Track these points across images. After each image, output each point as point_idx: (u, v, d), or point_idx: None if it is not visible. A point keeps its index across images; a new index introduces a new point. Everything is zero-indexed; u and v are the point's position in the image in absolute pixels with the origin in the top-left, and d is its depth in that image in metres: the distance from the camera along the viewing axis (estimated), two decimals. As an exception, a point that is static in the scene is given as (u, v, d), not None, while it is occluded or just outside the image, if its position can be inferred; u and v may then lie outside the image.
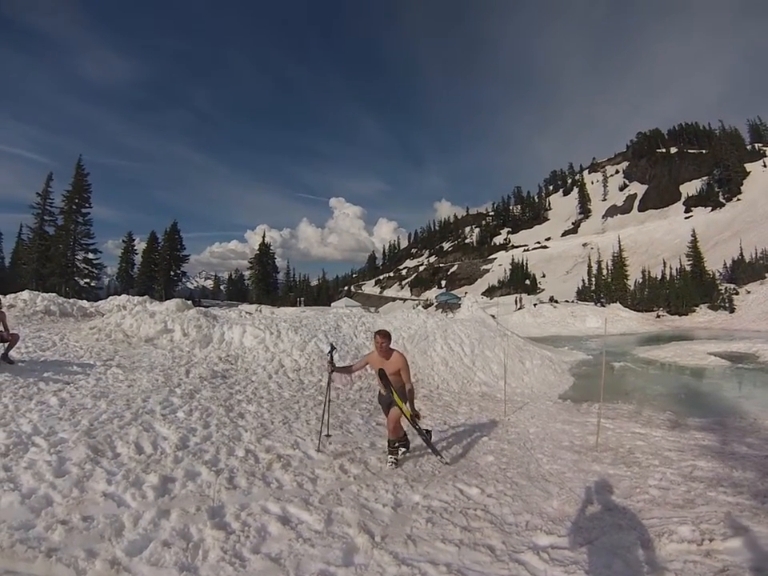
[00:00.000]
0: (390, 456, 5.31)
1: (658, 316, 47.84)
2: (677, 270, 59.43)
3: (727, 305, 45.31)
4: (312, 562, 3.12)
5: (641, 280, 61.46)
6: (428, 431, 5.87)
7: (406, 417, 5.23)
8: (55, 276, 48.90)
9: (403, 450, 5.63)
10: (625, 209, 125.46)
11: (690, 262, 61.17)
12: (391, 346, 5.46)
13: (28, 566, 2.82)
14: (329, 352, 5.95)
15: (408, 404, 5.27)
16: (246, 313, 16.25)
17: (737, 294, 47.16)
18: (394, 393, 5.26)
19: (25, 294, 17.56)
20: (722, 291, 48.57)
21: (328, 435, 5.86)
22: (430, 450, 5.60)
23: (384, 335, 5.27)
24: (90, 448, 4.52)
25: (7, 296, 16.67)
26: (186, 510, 3.62)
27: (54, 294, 18.97)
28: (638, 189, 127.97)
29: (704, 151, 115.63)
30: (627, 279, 63.13)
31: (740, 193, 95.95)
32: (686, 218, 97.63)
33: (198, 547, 3.16)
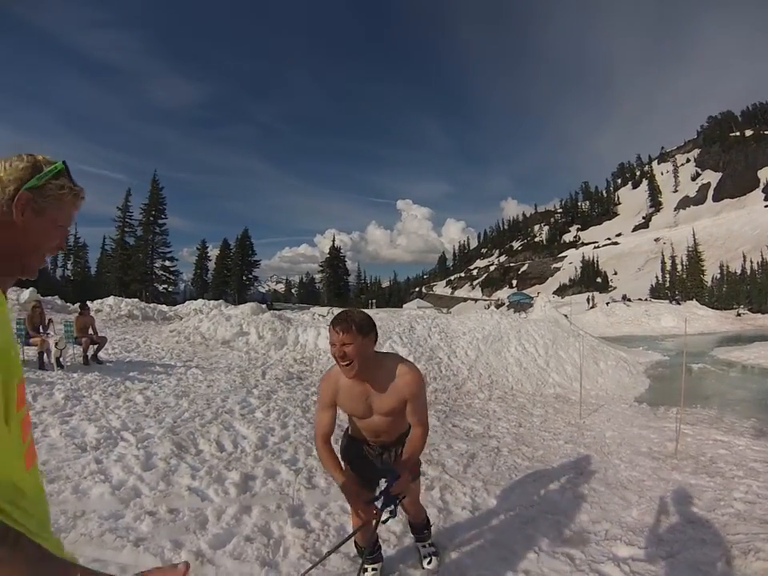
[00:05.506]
0: None
1: (739, 314, 44.77)
2: (758, 263, 55.62)
3: (818, 300, 41.92)
4: (391, 563, 3.09)
5: (719, 275, 58.03)
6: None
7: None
8: (136, 283, 52.34)
9: None
10: (698, 199, 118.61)
11: (774, 255, 57.00)
12: (392, 349, 2.87)
13: (116, 554, 2.91)
14: None
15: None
16: (319, 315, 16.54)
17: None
18: None
19: (110, 300, 18.87)
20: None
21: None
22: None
23: (345, 326, 2.25)
24: (174, 444, 4.73)
25: (94, 302, 17.94)
26: (266, 508, 3.69)
27: (136, 300, 20.27)
28: (712, 177, 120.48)
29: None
30: (704, 275, 59.80)
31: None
32: (766, 206, 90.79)
33: (279, 544, 3.20)
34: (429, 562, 3.05)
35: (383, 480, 2.56)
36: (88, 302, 11.01)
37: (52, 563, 0.75)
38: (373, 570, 2.89)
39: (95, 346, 8.90)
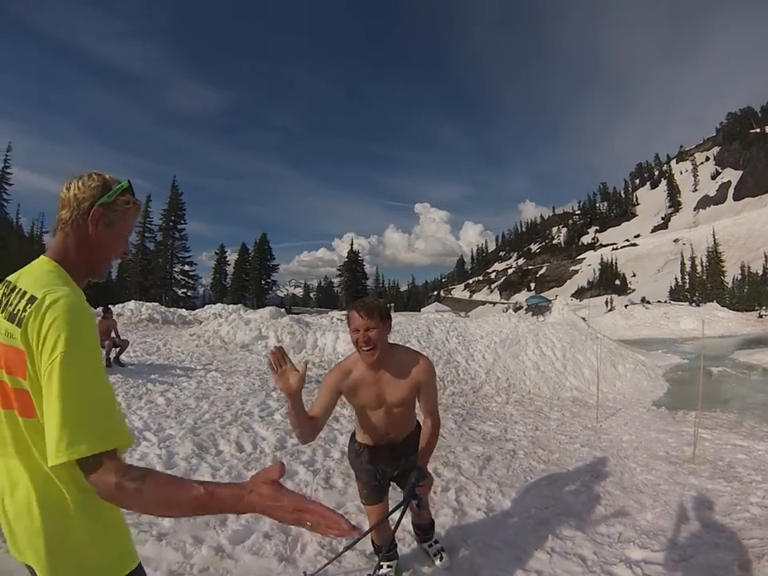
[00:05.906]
0: None
1: (761, 316, 43.73)
2: (781, 263, 54.47)
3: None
4: (406, 561, 3.15)
5: (740, 276, 56.97)
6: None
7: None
8: (156, 287, 53.19)
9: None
10: (718, 199, 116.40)
11: (798, 255, 55.94)
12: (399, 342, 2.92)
13: (139, 548, 2.99)
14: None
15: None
16: (338, 319, 16.67)
17: None
18: None
19: (131, 304, 19.22)
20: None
21: None
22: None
23: (370, 311, 2.29)
24: (195, 444, 4.86)
25: (116, 306, 18.27)
26: (285, 506, 3.75)
27: (156, 304, 20.59)
28: (732, 175, 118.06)
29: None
30: (724, 276, 58.90)
31: None
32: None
33: (297, 541, 3.28)
34: (440, 558, 3.11)
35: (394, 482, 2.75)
36: (110, 306, 11.25)
37: (181, 482, 0.95)
38: (388, 566, 2.91)
39: (117, 349, 9.11)
